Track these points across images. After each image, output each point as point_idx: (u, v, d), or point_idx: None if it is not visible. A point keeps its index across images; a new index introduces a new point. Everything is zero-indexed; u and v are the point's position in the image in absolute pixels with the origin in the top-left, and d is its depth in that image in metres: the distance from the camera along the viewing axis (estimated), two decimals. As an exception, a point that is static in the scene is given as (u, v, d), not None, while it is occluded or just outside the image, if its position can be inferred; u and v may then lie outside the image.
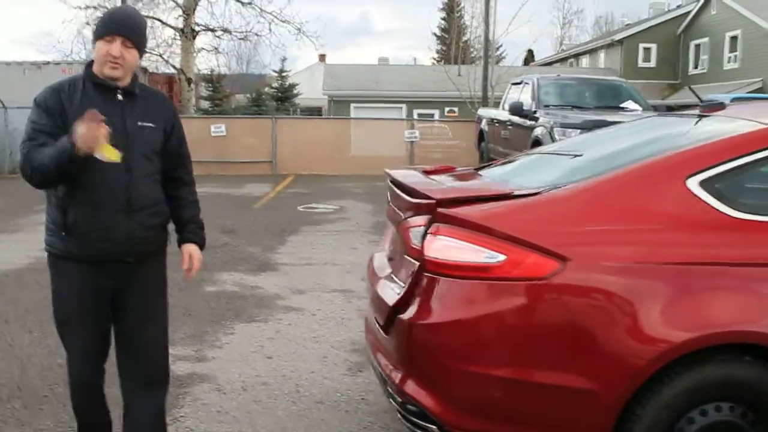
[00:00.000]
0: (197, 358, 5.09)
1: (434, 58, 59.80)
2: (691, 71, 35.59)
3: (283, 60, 29.20)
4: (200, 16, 24.42)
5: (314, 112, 33.12)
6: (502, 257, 2.87)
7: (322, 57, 43.71)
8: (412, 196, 3.31)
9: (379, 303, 3.36)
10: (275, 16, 24.37)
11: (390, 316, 3.16)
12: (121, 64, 3.09)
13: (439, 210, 3.03)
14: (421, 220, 3.12)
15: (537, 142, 12.01)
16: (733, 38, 33.23)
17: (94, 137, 2.85)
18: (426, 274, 3.02)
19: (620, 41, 37.28)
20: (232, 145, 18.32)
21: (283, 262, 8.14)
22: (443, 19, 60.16)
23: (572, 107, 12.63)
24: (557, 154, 4.14)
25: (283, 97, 27.80)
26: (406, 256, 3.20)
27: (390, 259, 3.71)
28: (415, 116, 30.77)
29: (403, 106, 34.20)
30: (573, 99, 13.00)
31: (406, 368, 3.09)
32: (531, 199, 3.03)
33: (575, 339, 2.84)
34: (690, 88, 4.05)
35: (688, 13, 36.29)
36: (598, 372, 2.81)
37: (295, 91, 29.48)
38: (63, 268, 3.19)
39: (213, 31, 24.26)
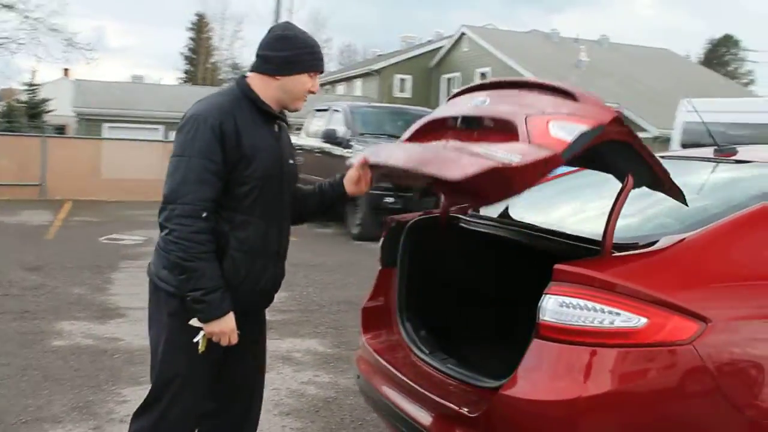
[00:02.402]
0: (103, 439, 4.12)
1: (180, 79, 58.12)
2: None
3: (34, 72, 26.58)
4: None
5: (59, 130, 30.44)
6: (643, 320, 2.47)
7: (66, 71, 40.60)
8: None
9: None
10: (41, 23, 22.00)
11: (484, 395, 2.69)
12: None
13: (558, 267, 2.58)
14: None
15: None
16: (483, 74, 35.46)
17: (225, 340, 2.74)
18: (540, 341, 2.56)
19: (377, 71, 38.40)
20: (-10, 165, 16.16)
21: (126, 306, 7.05)
22: (192, 39, 58.70)
23: (387, 136, 12.51)
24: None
25: (35, 113, 25.20)
26: None
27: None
28: (172, 138, 29.31)
29: (161, 127, 32.58)
30: (387, 128, 12.89)
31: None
32: (658, 251, 2.66)
33: (718, 406, 2.52)
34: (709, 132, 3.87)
35: (442, 48, 38.26)
36: None
37: (45, 107, 26.87)
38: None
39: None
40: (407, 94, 38.07)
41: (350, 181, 3.05)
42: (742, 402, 2.52)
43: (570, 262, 2.59)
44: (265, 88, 2.78)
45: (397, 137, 13.44)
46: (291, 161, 2.93)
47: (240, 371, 3.01)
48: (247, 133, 2.70)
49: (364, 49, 62.90)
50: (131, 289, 7.79)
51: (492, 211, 3.83)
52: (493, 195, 2.68)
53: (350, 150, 12.14)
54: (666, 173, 2.71)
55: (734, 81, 46.55)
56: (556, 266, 2.57)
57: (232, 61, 59.65)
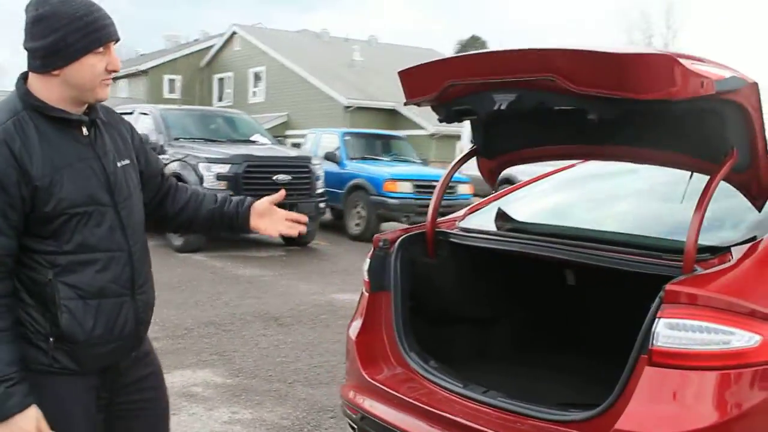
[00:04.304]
0: None
1: None
2: (217, 103, 36.51)
3: None
4: None
5: None
6: (757, 338, 2.37)
7: None
8: None
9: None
10: None
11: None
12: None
13: (670, 288, 2.40)
14: None
15: (176, 177, 11.02)
16: (257, 74, 34.99)
17: None
18: (655, 368, 2.38)
19: (145, 71, 36.68)
20: None
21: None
22: None
23: (204, 140, 11.85)
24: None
25: None
26: None
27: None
28: None
29: None
30: (202, 132, 12.18)
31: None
32: (748, 262, 2.57)
33: None
34: None
35: (212, 47, 37.26)
36: None
37: None
38: (49, 387, 2.16)
39: None
40: (177, 95, 36.77)
41: (257, 213, 2.52)
42: None
43: (680, 282, 2.43)
44: (48, 88, 2.12)
45: (213, 140, 12.89)
46: (122, 162, 2.27)
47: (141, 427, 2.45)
48: (36, 157, 2.06)
49: (118, 47, 59.85)
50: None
51: (479, 223, 3.60)
52: (647, 88, 2.41)
53: (165, 156, 11.35)
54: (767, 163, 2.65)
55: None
56: (668, 287, 2.40)
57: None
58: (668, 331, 2.37)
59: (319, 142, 14.55)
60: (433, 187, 13.02)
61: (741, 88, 2.50)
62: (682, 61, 2.37)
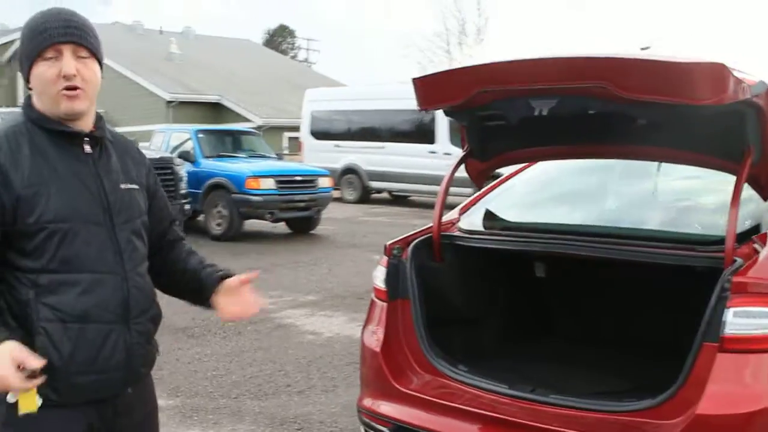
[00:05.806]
0: None
1: None
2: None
3: None
4: None
5: None
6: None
7: None
8: None
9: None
10: None
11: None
12: (82, 87, 2.04)
13: (737, 279, 2.61)
14: None
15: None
16: (69, 69, 33.05)
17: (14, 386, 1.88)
18: (728, 354, 2.58)
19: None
20: None
21: None
22: None
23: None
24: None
25: None
26: None
27: None
28: None
29: None
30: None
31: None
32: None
33: None
34: None
35: (15, 41, 34.72)
36: None
37: None
38: (33, 421, 1.97)
39: None
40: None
41: (224, 288, 2.30)
42: None
43: (741, 273, 2.63)
44: (36, 101, 2.09)
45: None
46: (128, 185, 2.18)
47: None
48: (23, 167, 2.01)
49: None
50: None
51: (478, 223, 3.69)
52: (702, 95, 2.58)
53: None
54: None
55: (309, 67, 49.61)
56: (735, 279, 2.59)
57: None
58: (736, 319, 2.57)
59: (169, 141, 14.01)
60: (296, 182, 12.85)
61: (764, 92, 2.73)
62: (730, 68, 2.57)
